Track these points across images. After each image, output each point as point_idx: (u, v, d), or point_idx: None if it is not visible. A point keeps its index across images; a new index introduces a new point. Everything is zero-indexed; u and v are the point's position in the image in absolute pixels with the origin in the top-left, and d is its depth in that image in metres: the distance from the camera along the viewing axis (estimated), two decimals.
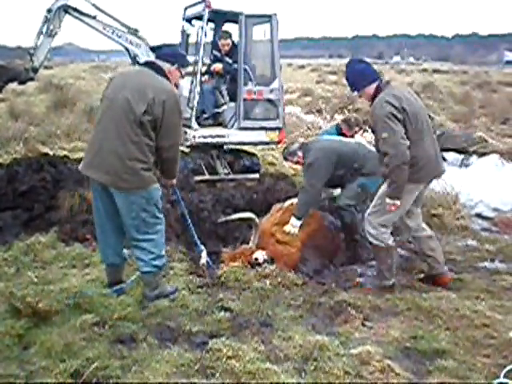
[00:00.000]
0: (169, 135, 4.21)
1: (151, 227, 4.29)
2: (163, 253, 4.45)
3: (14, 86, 7.84)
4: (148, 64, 4.46)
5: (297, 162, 6.08)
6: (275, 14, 7.98)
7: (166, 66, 4.37)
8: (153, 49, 7.24)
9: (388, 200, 4.68)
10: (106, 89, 4.34)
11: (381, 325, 4.23)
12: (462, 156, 10.45)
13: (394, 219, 4.91)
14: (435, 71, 45.15)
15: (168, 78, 4.34)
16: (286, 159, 6.29)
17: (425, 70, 46.77)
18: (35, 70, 7.07)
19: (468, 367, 3.63)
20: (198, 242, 5.32)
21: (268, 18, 8.01)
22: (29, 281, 4.59)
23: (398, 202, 4.65)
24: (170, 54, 4.50)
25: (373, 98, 4.81)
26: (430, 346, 3.88)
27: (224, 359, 3.52)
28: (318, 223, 5.81)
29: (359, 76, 4.90)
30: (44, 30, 7.01)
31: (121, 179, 4.09)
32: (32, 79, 7.23)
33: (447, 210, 7.20)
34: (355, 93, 5.06)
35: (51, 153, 8.64)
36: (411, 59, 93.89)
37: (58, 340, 3.67)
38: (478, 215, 7.54)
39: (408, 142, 4.54)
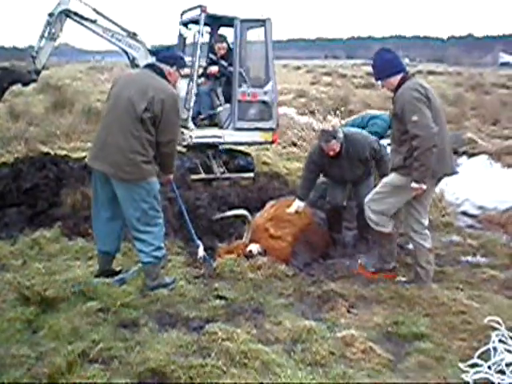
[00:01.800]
0: (167, 131, 4.57)
1: (151, 219, 4.60)
2: (162, 245, 4.75)
3: (14, 87, 8.08)
4: (149, 66, 4.84)
5: (332, 150, 5.76)
6: (269, 19, 8.23)
7: (165, 68, 4.75)
8: (153, 52, 7.49)
9: (414, 184, 4.68)
10: (111, 88, 4.73)
11: (365, 312, 4.51)
12: None
13: (393, 210, 5.07)
14: (430, 73, 45.18)
15: (168, 79, 4.72)
16: (326, 141, 5.73)
17: (420, 72, 46.86)
18: (38, 73, 7.35)
19: (444, 349, 3.93)
20: (195, 237, 5.56)
21: (262, 23, 8.26)
22: (35, 272, 4.85)
23: (424, 186, 4.67)
24: (169, 57, 4.87)
25: (396, 88, 4.86)
26: (409, 330, 4.16)
27: (219, 341, 3.79)
28: (309, 219, 6.08)
29: (386, 65, 4.91)
30: (46, 34, 7.25)
31: (123, 171, 4.43)
32: (35, 81, 7.51)
33: (433, 207, 7.44)
34: (378, 82, 5.11)
35: (52, 152, 8.88)
36: (406, 60, 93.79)
37: (66, 324, 3.96)
38: (464, 213, 7.73)
39: (437, 128, 4.58)
